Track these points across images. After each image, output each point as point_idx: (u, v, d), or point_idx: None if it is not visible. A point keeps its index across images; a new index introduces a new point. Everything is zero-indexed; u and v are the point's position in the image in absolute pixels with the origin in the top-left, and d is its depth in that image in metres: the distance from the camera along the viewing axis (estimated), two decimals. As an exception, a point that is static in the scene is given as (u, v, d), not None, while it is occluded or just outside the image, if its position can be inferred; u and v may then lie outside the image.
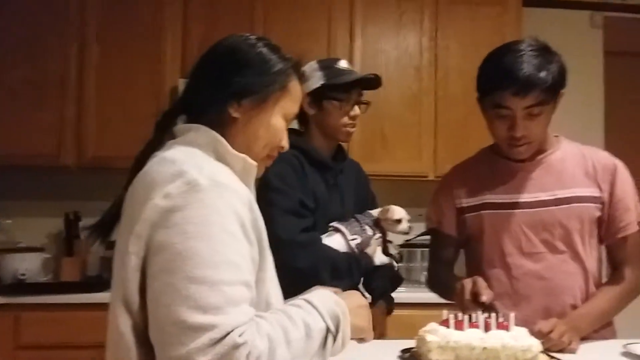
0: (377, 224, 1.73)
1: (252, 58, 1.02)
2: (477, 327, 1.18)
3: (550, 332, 1.32)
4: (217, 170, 0.91)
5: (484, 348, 1.14)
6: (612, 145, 2.73)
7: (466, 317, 1.18)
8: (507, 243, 1.52)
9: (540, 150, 1.54)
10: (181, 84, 2.86)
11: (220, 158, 0.96)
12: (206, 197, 0.85)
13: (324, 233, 1.66)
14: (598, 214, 1.50)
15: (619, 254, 1.54)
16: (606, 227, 1.52)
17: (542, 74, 1.38)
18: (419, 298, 2.64)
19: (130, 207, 0.91)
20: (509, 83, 1.39)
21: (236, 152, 0.97)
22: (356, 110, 1.72)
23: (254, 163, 1.00)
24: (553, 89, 1.41)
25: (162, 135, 1.03)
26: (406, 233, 1.75)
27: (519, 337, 1.16)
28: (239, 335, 0.80)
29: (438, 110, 3.11)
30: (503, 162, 1.57)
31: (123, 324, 0.88)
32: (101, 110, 2.88)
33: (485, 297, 1.32)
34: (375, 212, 1.75)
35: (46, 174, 3.03)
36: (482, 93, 1.50)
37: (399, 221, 1.70)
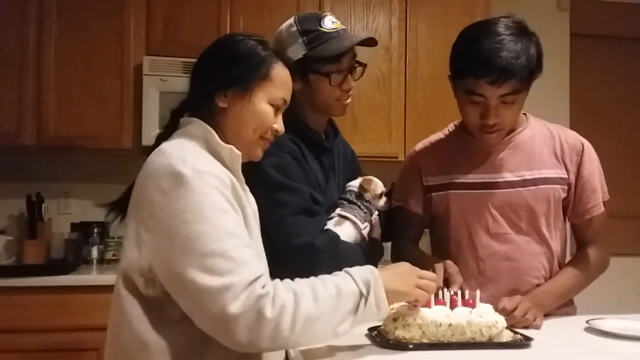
0: (360, 197, 1.53)
1: (236, 51, 1.13)
2: (443, 304, 1.19)
3: (514, 309, 1.33)
4: (199, 159, 1.03)
5: (450, 324, 1.14)
6: (576, 125, 2.77)
7: (432, 297, 1.19)
8: (473, 224, 1.52)
9: (510, 129, 1.52)
10: (146, 61, 2.79)
11: (211, 148, 1.09)
12: (193, 186, 0.98)
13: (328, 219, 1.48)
14: (564, 195, 1.51)
15: (585, 234, 1.56)
16: (573, 208, 1.53)
17: (520, 63, 1.33)
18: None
19: (135, 192, 1.06)
20: (485, 72, 1.33)
21: (223, 143, 1.10)
22: (349, 82, 1.47)
23: (239, 153, 1.12)
24: (530, 77, 1.37)
25: (172, 127, 1.16)
26: (384, 209, 1.57)
27: (484, 314, 1.17)
28: (262, 287, 0.96)
29: (408, 91, 3.11)
30: (472, 141, 1.55)
31: (123, 287, 1.05)
32: (62, 89, 2.79)
33: (456, 287, 1.31)
34: (355, 184, 1.55)
35: (6, 154, 2.93)
36: (455, 76, 1.45)
37: (380, 195, 1.54)
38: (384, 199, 1.55)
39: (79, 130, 2.79)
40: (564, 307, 1.54)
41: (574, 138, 1.55)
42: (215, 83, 1.12)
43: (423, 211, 1.63)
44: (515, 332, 1.23)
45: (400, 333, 1.14)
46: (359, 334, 1.23)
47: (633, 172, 3.54)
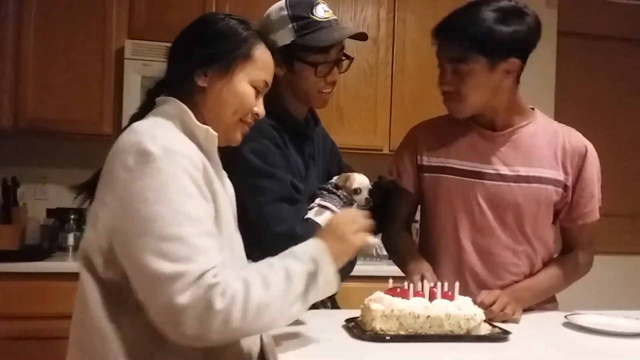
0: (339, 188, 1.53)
1: (217, 30, 1.10)
2: (422, 296, 1.18)
3: (493, 303, 1.32)
4: (171, 138, 0.99)
5: (428, 317, 1.13)
6: (561, 122, 2.76)
7: (411, 285, 1.18)
8: (460, 213, 1.49)
9: (511, 123, 1.49)
10: (128, 45, 2.74)
11: (187, 128, 1.05)
12: (160, 164, 0.93)
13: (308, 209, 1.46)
14: (556, 197, 1.47)
15: (575, 238, 1.53)
16: (567, 210, 1.49)
17: (468, 27, 1.34)
18: (369, 271, 2.64)
19: (103, 171, 1.01)
20: (437, 32, 1.40)
21: (199, 123, 1.05)
22: (335, 75, 1.45)
23: (215, 134, 1.07)
24: (476, 45, 1.34)
25: (148, 108, 1.11)
26: (364, 206, 1.53)
27: (463, 306, 1.16)
28: (213, 276, 0.91)
29: (394, 84, 3.09)
30: (475, 129, 1.51)
31: (83, 272, 1.00)
32: (41, 71, 2.72)
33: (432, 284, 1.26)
34: (334, 179, 1.56)
35: (-19, 137, 2.86)
36: None
37: (356, 191, 1.53)
38: (364, 194, 1.52)
39: (58, 114, 2.73)
40: (546, 303, 1.53)
41: (579, 140, 1.50)
42: (196, 61, 1.07)
43: (414, 190, 1.59)
44: (494, 326, 1.22)
45: (378, 324, 1.13)
46: (335, 326, 1.22)
47: (617, 169, 3.56)
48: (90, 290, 0.99)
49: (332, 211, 1.44)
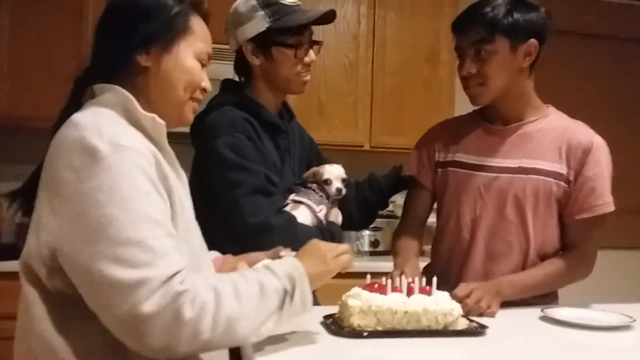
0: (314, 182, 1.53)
1: (149, 5, 1.01)
2: (399, 291, 1.17)
3: (467, 296, 1.32)
4: (119, 132, 0.90)
5: (406, 312, 1.13)
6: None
7: (389, 281, 1.17)
8: (463, 203, 1.53)
9: (521, 117, 1.52)
10: (105, 40, 2.68)
11: (131, 117, 0.96)
12: (110, 163, 0.85)
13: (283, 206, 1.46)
14: (557, 190, 1.46)
15: (573, 236, 1.50)
16: (567, 205, 1.47)
17: (485, 10, 1.41)
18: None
19: (44, 173, 0.92)
20: (456, 21, 1.48)
21: (144, 112, 0.97)
22: (311, 55, 1.46)
23: (162, 122, 0.99)
24: (496, 26, 1.40)
25: (77, 99, 1.01)
26: (335, 196, 1.53)
27: (440, 301, 1.16)
28: (180, 283, 0.84)
29: (375, 80, 3.09)
30: (481, 124, 1.58)
31: (25, 281, 0.91)
32: (16, 67, 2.67)
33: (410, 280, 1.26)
34: (305, 174, 1.57)
35: (-45, 134, 2.80)
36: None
37: (327, 182, 1.51)
38: (334, 184, 1.51)
39: (33, 111, 2.65)
40: (546, 297, 1.52)
41: (586, 136, 1.48)
42: (134, 41, 0.98)
43: (432, 186, 1.64)
44: (471, 320, 1.22)
45: (356, 320, 1.12)
46: (313, 322, 1.21)
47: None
48: (34, 303, 0.90)
49: (307, 205, 1.45)
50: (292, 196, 1.47)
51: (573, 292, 1.66)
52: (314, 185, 1.50)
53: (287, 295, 0.96)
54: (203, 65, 1.07)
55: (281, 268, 0.98)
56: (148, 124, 0.97)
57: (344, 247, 1.12)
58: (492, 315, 1.33)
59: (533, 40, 1.44)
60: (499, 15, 1.41)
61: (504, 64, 1.44)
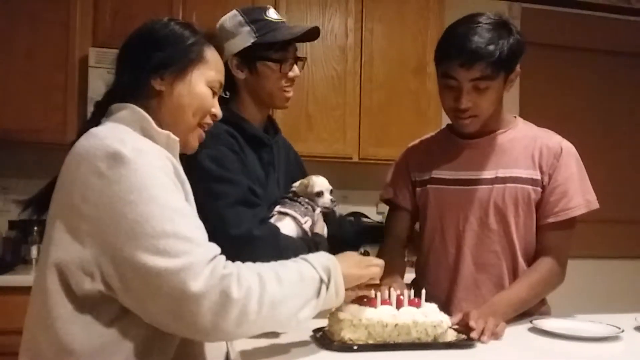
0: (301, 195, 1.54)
1: (166, 34, 1.09)
2: (389, 304, 1.17)
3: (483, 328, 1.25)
4: (139, 140, 0.98)
5: (396, 325, 1.13)
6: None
7: (378, 294, 1.17)
8: (445, 219, 1.55)
9: (491, 129, 1.54)
10: (92, 53, 2.68)
11: (146, 134, 1.02)
12: (135, 165, 0.91)
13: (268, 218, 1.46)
14: (535, 196, 1.48)
15: (546, 240, 1.50)
16: (540, 209, 1.49)
17: (490, 48, 1.38)
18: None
19: (61, 182, 0.96)
20: (457, 53, 1.40)
21: (159, 129, 1.03)
22: (295, 70, 1.50)
23: (177, 138, 1.05)
24: (500, 64, 1.40)
25: (99, 116, 1.08)
26: (328, 207, 1.54)
27: (429, 313, 1.16)
28: (223, 267, 0.91)
29: (363, 93, 3.10)
30: (454, 139, 1.59)
31: (52, 282, 0.93)
32: (1, 79, 2.64)
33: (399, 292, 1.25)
34: (295, 186, 1.56)
35: (-60, 147, 2.76)
36: (435, 62, 1.50)
37: (319, 194, 1.53)
38: (326, 197, 1.53)
39: (20, 123, 2.65)
40: (541, 306, 1.54)
41: (555, 142, 1.53)
42: (150, 65, 1.06)
43: (411, 206, 1.66)
44: (459, 332, 1.22)
45: (346, 334, 1.12)
46: (303, 336, 1.20)
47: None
48: (57, 304, 0.93)
49: (292, 217, 1.46)
50: (278, 207, 1.48)
51: (561, 303, 1.67)
52: (301, 198, 1.50)
53: (323, 284, 1.02)
54: (214, 93, 1.13)
55: (317, 259, 1.05)
56: (162, 141, 1.03)
57: (379, 260, 1.17)
58: (498, 337, 1.26)
59: (517, 68, 1.47)
60: (504, 53, 1.39)
61: (497, 95, 1.46)
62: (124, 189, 0.89)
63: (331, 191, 1.55)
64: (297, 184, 1.56)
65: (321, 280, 1.02)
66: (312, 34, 1.51)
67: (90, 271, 0.91)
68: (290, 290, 0.96)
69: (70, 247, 0.92)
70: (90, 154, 0.92)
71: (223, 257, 0.94)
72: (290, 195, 1.52)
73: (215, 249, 0.94)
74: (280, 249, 1.32)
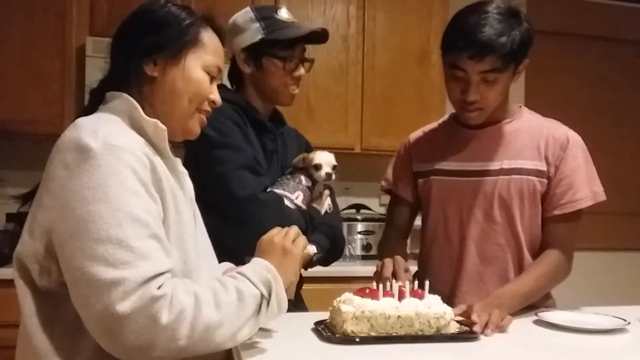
0: (298, 170, 1.55)
1: (160, 16, 1.04)
2: (391, 295, 1.15)
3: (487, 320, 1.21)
4: (114, 132, 0.92)
5: (399, 316, 1.11)
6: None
7: (380, 285, 1.15)
8: (449, 210, 1.52)
9: (497, 119, 1.51)
10: (89, 42, 2.66)
11: (135, 124, 0.99)
12: (100, 161, 0.87)
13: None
14: (540, 188, 1.46)
15: (553, 232, 1.48)
16: (547, 201, 1.47)
17: (502, 40, 1.34)
18: (335, 272, 2.55)
19: (44, 171, 0.94)
20: (466, 45, 1.35)
21: (147, 117, 0.99)
22: (301, 70, 1.52)
23: (164, 127, 1.00)
24: (510, 57, 1.36)
25: (94, 104, 1.04)
26: (325, 180, 1.54)
27: (432, 305, 1.14)
28: (157, 288, 0.84)
29: (365, 82, 3.07)
30: (458, 130, 1.56)
31: (16, 276, 0.93)
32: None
33: (401, 283, 1.22)
34: (295, 159, 1.58)
35: (-64, 138, 2.74)
36: (442, 51, 1.45)
37: (317, 167, 1.53)
38: (324, 169, 1.53)
39: (17, 114, 2.64)
40: (546, 300, 1.52)
41: (562, 132, 1.50)
42: (142, 50, 1.01)
43: (412, 197, 1.64)
44: (462, 324, 1.20)
45: (349, 326, 1.10)
46: (305, 329, 1.18)
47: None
48: (24, 301, 0.92)
49: (286, 197, 1.46)
50: (269, 189, 1.47)
51: (566, 295, 1.65)
52: (294, 176, 1.52)
53: (264, 300, 0.96)
54: (213, 78, 1.08)
55: (257, 273, 0.98)
56: (150, 130, 0.99)
57: (293, 230, 1.10)
58: (503, 330, 1.24)
59: (526, 59, 1.43)
60: (515, 45, 1.35)
61: (505, 87, 1.44)
62: (83, 184, 0.86)
63: (334, 167, 1.56)
64: (298, 158, 1.57)
65: (262, 296, 0.96)
66: (321, 37, 1.54)
67: (44, 265, 0.90)
68: (227, 313, 0.90)
69: (26, 239, 0.92)
70: (64, 145, 0.90)
71: (166, 274, 0.87)
72: (286, 175, 1.53)
73: (161, 264, 0.87)
74: (284, 214, 1.36)
